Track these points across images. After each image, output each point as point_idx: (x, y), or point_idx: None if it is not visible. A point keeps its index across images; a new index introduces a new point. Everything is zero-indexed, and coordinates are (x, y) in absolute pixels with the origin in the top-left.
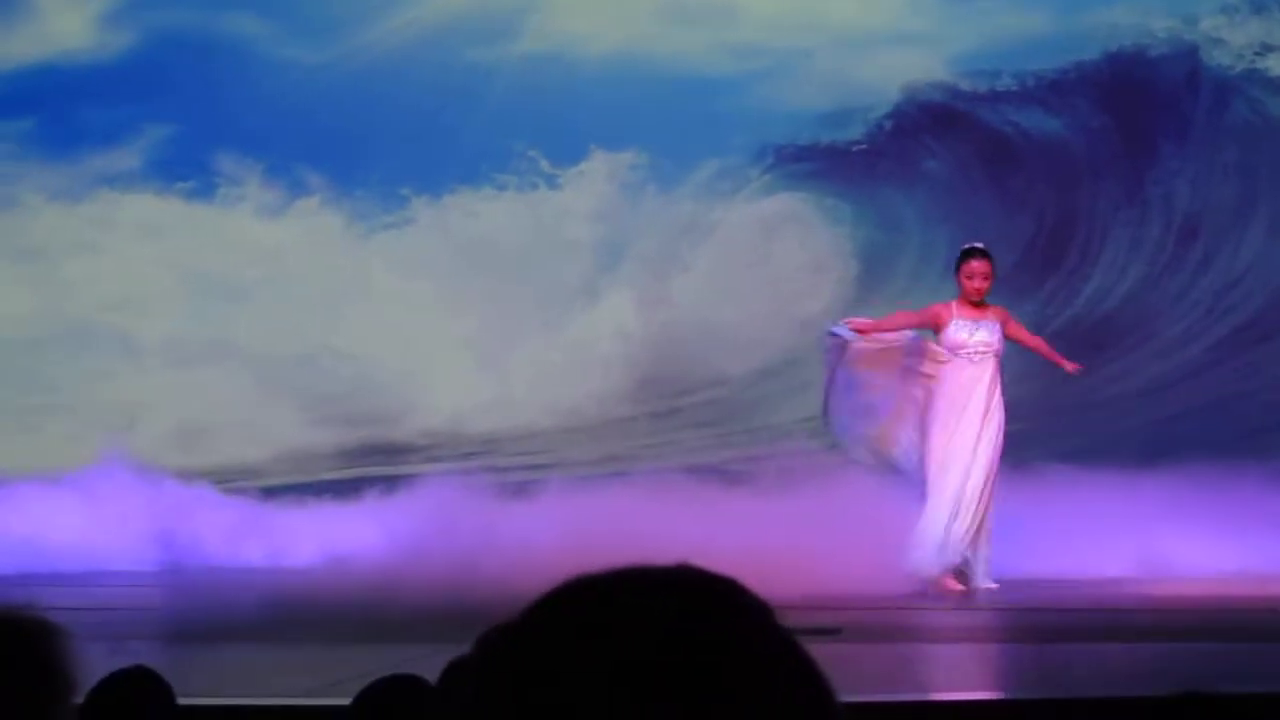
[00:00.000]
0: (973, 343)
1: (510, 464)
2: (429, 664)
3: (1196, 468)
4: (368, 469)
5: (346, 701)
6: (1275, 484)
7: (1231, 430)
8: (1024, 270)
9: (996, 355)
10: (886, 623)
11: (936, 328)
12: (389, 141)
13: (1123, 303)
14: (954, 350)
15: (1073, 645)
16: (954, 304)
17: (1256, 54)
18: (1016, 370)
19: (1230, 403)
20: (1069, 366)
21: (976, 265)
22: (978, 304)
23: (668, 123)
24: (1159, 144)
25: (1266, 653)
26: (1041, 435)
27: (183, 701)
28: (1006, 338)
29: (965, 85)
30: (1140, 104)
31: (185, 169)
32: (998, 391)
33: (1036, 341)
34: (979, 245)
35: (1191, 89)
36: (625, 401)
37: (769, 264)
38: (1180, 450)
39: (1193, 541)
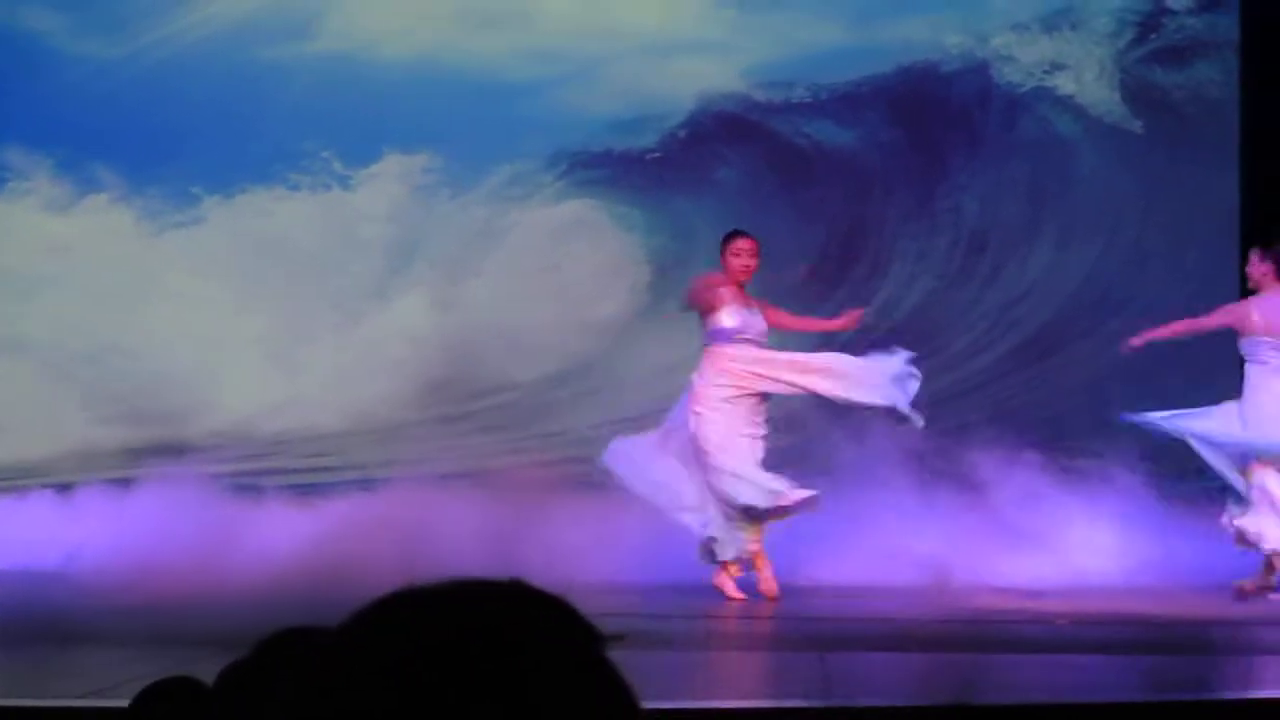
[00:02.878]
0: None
1: (299, 465)
2: (204, 667)
3: (982, 480)
4: (151, 468)
5: (124, 704)
6: (1059, 495)
7: (1017, 443)
8: (813, 281)
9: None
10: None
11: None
12: (181, 139)
13: (911, 315)
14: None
15: (855, 654)
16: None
17: (1045, 72)
18: None
19: (1017, 414)
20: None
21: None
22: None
23: (462, 126)
24: (949, 158)
25: (1027, 665)
26: (821, 447)
27: None
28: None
29: (759, 96)
30: (932, 118)
31: None
32: None
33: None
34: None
35: (982, 105)
36: (414, 405)
37: (561, 269)
38: (965, 462)
39: (983, 555)
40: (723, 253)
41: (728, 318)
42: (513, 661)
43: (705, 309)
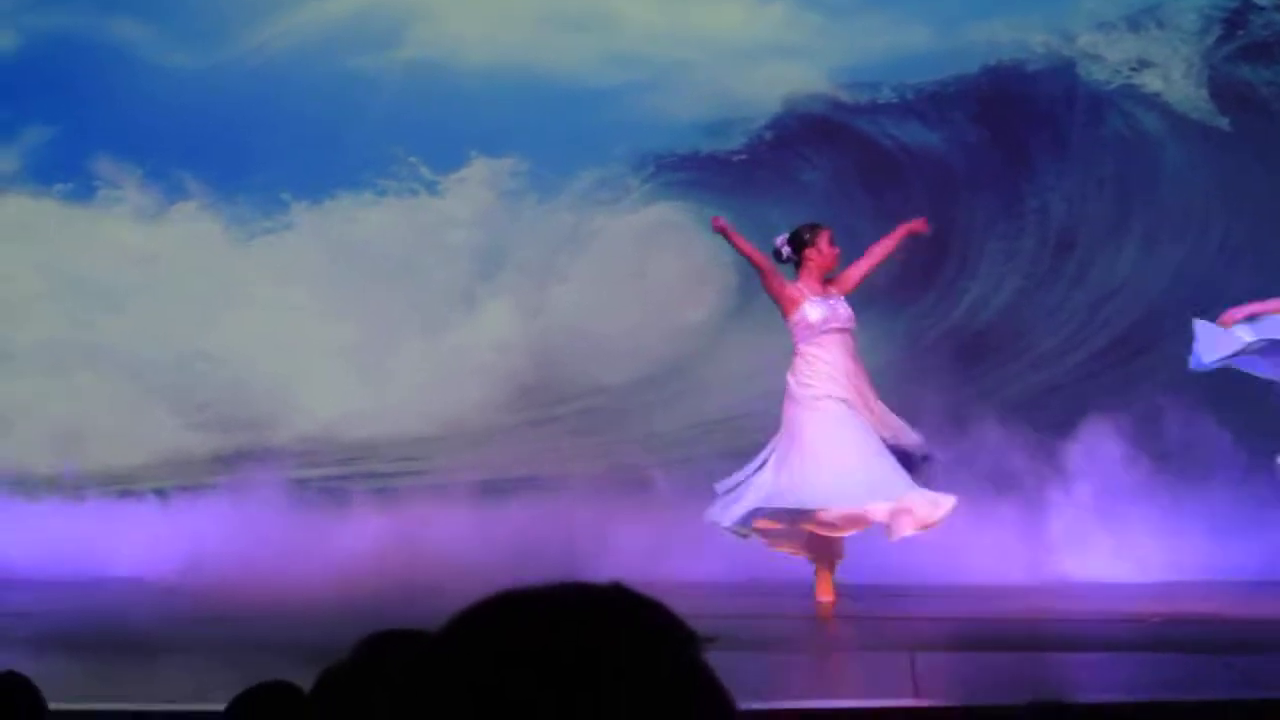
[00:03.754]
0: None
1: (388, 470)
2: (293, 672)
3: (1075, 475)
4: (241, 474)
5: (220, 708)
6: (1152, 497)
7: (1109, 440)
8: (901, 283)
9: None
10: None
11: None
12: (269, 147)
13: (999, 315)
14: None
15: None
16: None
17: (1132, 70)
18: (895, 378)
19: (1107, 413)
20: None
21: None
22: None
23: (549, 131)
24: (1035, 158)
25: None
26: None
27: (54, 706)
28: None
29: (845, 98)
30: (1017, 118)
31: (63, 171)
32: None
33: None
34: None
35: (1068, 104)
36: (503, 410)
37: (648, 273)
38: (1060, 462)
39: (1092, 555)
40: (806, 248)
41: (812, 311)
42: (613, 664)
43: (788, 309)
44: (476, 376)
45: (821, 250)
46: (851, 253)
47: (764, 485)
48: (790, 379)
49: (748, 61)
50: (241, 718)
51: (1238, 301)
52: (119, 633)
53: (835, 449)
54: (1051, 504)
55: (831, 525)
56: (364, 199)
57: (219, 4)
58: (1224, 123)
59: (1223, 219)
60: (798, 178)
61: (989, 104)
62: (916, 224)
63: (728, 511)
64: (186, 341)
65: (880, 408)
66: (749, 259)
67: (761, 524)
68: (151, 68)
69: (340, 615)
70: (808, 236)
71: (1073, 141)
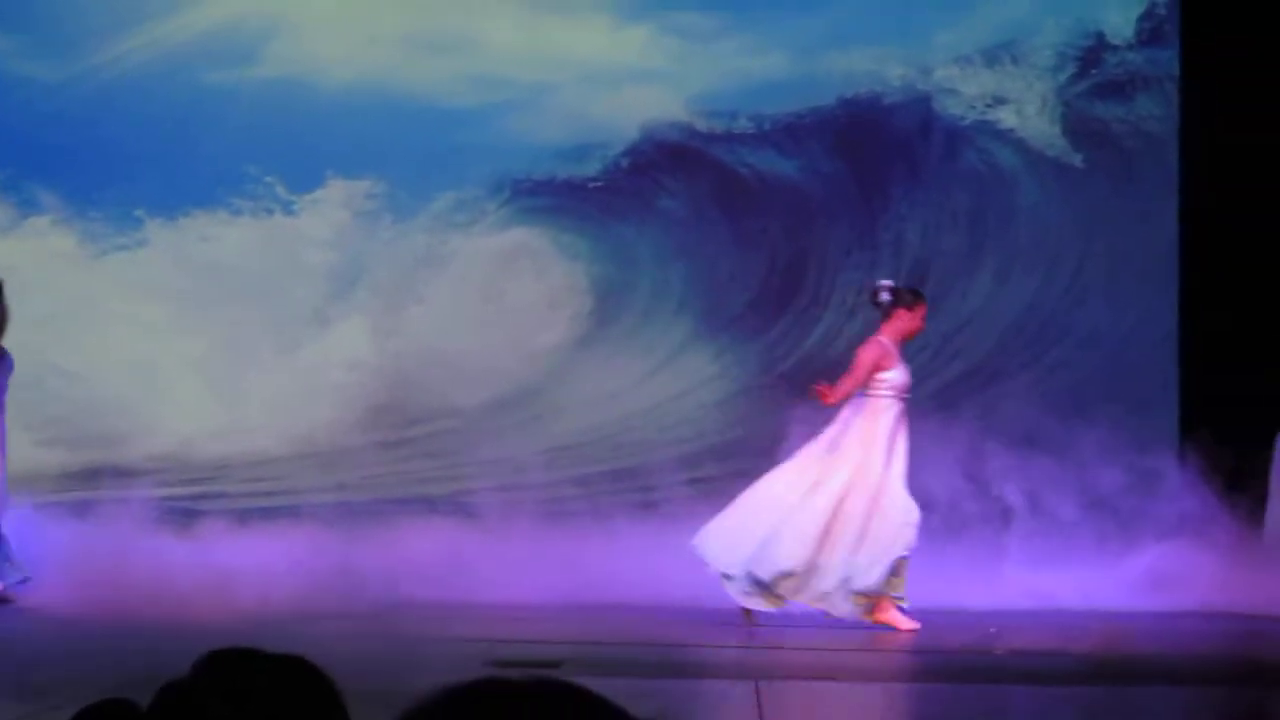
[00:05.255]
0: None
1: (239, 490)
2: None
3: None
4: (92, 492)
5: None
6: (1008, 524)
7: (959, 471)
8: (756, 310)
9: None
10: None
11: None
12: (125, 162)
13: (852, 344)
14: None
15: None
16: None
17: (988, 105)
18: (747, 405)
19: (957, 443)
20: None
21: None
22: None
23: (406, 152)
24: (890, 189)
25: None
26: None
27: None
28: None
29: (702, 125)
30: (873, 149)
31: None
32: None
33: None
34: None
35: (924, 136)
36: (356, 430)
37: (504, 297)
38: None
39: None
40: (905, 307)
41: (902, 372)
42: None
43: (883, 367)
44: (329, 396)
45: (915, 318)
46: (706, 279)
47: None
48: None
49: (607, 86)
50: None
51: (1089, 337)
52: None
53: None
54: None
55: None
56: (219, 217)
57: (76, 14)
58: (1078, 159)
59: (1075, 253)
60: (655, 204)
61: (845, 135)
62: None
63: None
64: (38, 356)
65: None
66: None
67: None
68: (8, 79)
69: (179, 636)
70: (910, 299)
71: (928, 174)
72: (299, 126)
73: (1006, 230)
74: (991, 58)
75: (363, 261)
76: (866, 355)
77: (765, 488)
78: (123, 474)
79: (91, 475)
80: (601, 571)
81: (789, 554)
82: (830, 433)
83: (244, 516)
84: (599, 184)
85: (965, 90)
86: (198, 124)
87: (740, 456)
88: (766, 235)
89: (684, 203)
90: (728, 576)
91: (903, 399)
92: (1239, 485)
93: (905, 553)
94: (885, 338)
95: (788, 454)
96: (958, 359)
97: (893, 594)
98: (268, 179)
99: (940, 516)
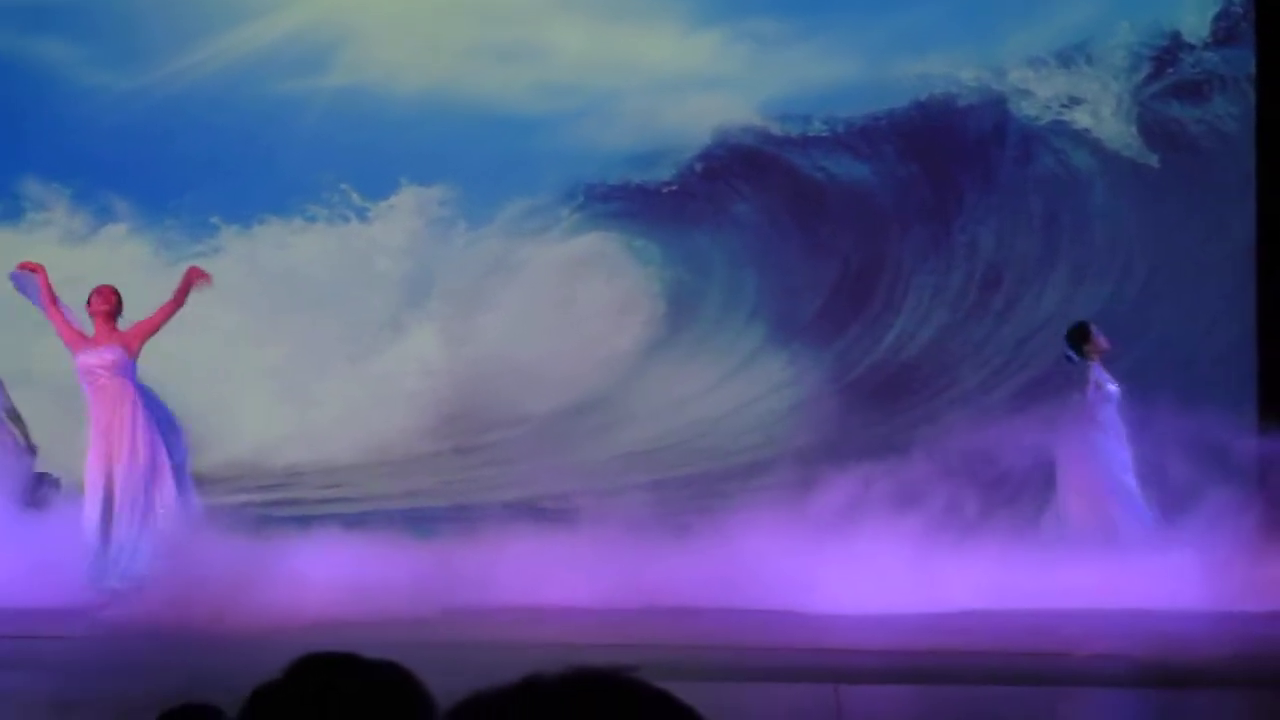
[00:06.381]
0: None
1: (312, 497)
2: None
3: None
4: None
5: None
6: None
7: (1029, 480)
8: (828, 316)
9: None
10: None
11: None
12: (200, 170)
13: (925, 350)
14: None
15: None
16: None
17: (1063, 106)
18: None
19: (1030, 450)
20: None
21: None
22: None
23: (479, 159)
24: (965, 193)
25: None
26: (842, 479)
27: None
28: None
29: (776, 130)
30: (948, 153)
31: None
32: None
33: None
34: None
35: (998, 139)
36: (429, 437)
37: (576, 303)
38: (977, 495)
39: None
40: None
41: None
42: None
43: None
44: (402, 403)
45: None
46: (779, 285)
47: None
48: None
49: (678, 92)
50: None
51: (1164, 340)
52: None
53: None
54: (982, 535)
55: None
56: (294, 225)
57: (149, 26)
58: (1153, 160)
59: (1150, 256)
60: (728, 209)
61: (919, 138)
62: None
63: None
64: None
65: None
66: None
67: None
68: (81, 89)
69: (254, 645)
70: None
71: (1002, 176)
72: (371, 134)
73: (1081, 233)
74: (1066, 59)
75: (435, 268)
76: None
77: None
78: (198, 481)
79: None
80: (674, 576)
81: None
82: None
83: (317, 523)
84: (672, 189)
85: (1040, 92)
86: (270, 132)
87: (812, 463)
88: (839, 240)
89: (757, 208)
90: None
91: None
92: None
93: None
94: None
95: (858, 461)
96: (1031, 364)
97: None
98: (342, 186)
99: (1013, 517)
